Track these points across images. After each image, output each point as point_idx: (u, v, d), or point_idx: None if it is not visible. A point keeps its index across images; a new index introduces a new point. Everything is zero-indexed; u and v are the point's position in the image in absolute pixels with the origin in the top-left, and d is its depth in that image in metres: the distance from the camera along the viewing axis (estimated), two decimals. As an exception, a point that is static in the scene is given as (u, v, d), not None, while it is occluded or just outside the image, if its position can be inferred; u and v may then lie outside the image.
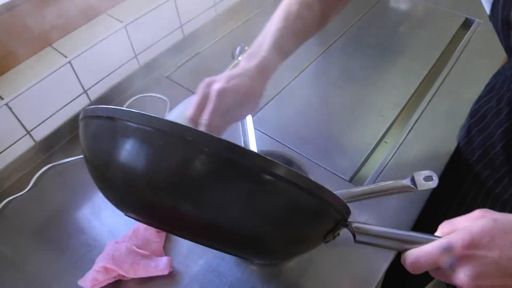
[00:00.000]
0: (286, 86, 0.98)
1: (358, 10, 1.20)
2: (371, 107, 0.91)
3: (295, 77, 0.99)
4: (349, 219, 0.49)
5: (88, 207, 0.79)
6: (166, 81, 1.03)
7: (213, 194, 0.37)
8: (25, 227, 0.78)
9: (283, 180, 0.37)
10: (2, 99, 0.77)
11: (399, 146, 0.81)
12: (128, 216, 0.48)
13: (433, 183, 0.61)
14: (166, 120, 0.36)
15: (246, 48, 1.01)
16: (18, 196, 0.82)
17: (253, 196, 0.38)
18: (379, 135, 0.85)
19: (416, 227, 0.69)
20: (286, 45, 0.62)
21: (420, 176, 0.62)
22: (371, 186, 0.64)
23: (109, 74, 0.94)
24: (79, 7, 0.88)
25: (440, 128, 0.84)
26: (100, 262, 0.67)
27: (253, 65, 0.59)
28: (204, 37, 1.15)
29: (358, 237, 0.49)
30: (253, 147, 0.73)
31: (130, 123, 0.38)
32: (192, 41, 1.13)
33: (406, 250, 0.44)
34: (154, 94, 0.99)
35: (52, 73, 0.82)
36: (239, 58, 0.99)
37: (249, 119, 0.79)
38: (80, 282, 0.67)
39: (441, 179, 0.76)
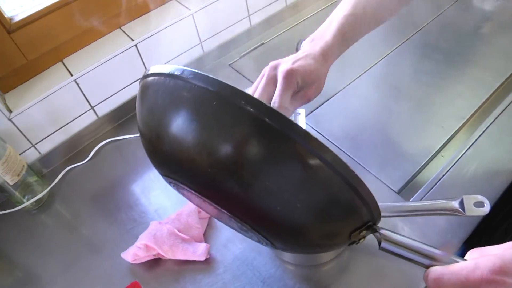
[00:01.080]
0: (348, 85, 0.95)
1: (435, 7, 1.13)
2: (431, 117, 0.86)
3: (358, 77, 0.97)
4: (384, 228, 0.48)
5: (139, 185, 0.83)
6: (228, 69, 1.05)
7: (260, 170, 0.37)
8: (82, 194, 0.84)
9: (329, 164, 0.37)
10: (72, 75, 0.83)
11: (456, 162, 0.77)
12: (165, 179, 0.49)
13: (484, 210, 0.57)
14: (229, 85, 0.37)
15: (310, 42, 1.00)
16: (78, 165, 0.89)
17: (299, 173, 0.38)
18: (436, 148, 0.81)
19: (462, 252, 0.66)
20: (351, 32, 0.61)
21: (470, 200, 0.58)
22: (416, 204, 0.62)
23: (173, 58, 0.97)
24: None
25: (504, 147, 0.78)
26: (142, 240, 0.70)
27: (317, 49, 0.59)
28: (271, 28, 1.15)
29: (383, 244, 0.48)
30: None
31: (192, 81, 0.38)
32: (258, 31, 1.13)
33: (430, 266, 0.42)
34: (214, 81, 1.00)
35: (118, 54, 0.87)
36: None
37: (302, 116, 0.78)
38: (123, 255, 0.71)
39: (499, 203, 0.71)
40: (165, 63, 0.95)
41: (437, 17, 1.10)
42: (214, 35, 1.03)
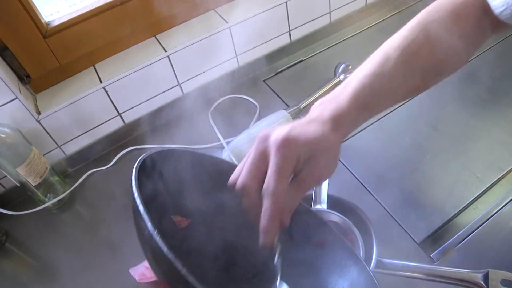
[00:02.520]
0: (382, 118, 0.90)
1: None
2: (467, 164, 0.80)
3: (394, 110, 0.91)
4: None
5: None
6: (262, 86, 1.02)
7: None
8: (102, 198, 0.85)
9: None
10: (101, 82, 0.83)
11: (489, 218, 0.71)
12: None
13: (512, 291, 0.52)
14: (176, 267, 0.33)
15: (350, 67, 0.95)
16: (101, 169, 0.89)
17: None
18: (469, 200, 0.75)
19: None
20: (372, 98, 0.46)
21: (497, 275, 0.54)
22: (435, 268, 0.58)
23: (206, 71, 0.96)
24: (189, 2, 0.89)
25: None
26: (150, 261, 0.70)
27: (326, 113, 0.45)
28: (311, 45, 1.11)
29: None
30: (325, 184, 0.70)
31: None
32: (298, 47, 1.09)
33: None
34: (246, 97, 0.98)
35: (150, 64, 0.86)
36: (340, 78, 0.95)
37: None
38: (131, 271, 0.71)
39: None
40: (198, 75, 0.94)
41: (490, 48, 1.02)
42: (251, 49, 1.00)
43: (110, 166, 0.89)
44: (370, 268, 0.58)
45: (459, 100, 0.92)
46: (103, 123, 0.89)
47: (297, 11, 1.01)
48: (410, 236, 0.71)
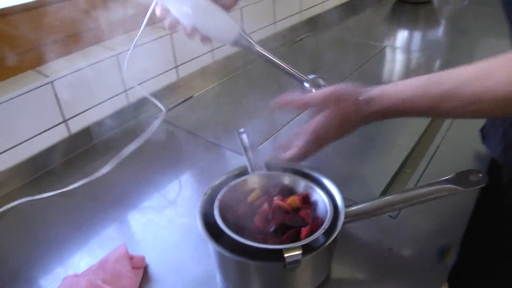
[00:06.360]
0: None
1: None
2: (386, 137, 0.82)
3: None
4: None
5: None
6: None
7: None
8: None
9: None
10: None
11: (421, 176, 0.71)
12: None
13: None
14: None
15: None
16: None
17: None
18: (398, 165, 0.74)
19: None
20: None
21: (464, 175, 0.52)
22: (408, 193, 0.54)
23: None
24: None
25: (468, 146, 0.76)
26: (52, 300, 0.51)
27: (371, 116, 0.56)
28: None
29: None
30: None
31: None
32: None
33: None
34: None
35: (28, 92, 0.73)
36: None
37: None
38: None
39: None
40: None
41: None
42: None
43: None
44: (339, 222, 0.50)
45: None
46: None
47: None
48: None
